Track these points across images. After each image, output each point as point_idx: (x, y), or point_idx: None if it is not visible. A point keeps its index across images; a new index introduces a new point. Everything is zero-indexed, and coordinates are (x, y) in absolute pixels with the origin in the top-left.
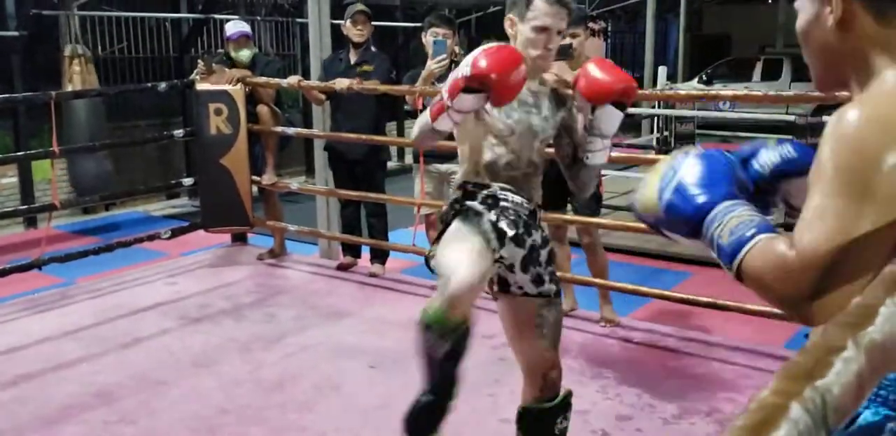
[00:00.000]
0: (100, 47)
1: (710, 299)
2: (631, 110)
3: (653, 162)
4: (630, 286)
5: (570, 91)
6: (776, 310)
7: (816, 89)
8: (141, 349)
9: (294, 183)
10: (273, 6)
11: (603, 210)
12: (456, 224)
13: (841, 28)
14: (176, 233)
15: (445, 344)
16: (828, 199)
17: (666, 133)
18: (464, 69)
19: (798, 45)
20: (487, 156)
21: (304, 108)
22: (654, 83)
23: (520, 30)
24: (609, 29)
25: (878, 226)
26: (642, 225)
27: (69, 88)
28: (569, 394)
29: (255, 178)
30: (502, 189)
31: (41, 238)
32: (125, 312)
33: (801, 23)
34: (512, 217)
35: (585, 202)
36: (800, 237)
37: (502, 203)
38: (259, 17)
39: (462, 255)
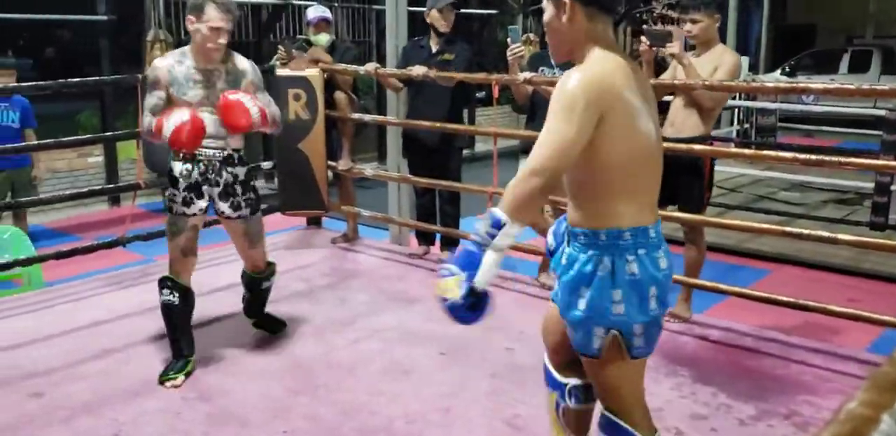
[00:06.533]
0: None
1: (790, 299)
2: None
3: (733, 155)
4: (708, 283)
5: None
6: (859, 312)
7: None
8: (217, 328)
9: (368, 169)
10: None
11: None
12: None
13: (569, 22)
14: None
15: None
16: (548, 124)
17: (746, 125)
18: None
19: (889, 36)
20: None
21: (377, 94)
22: None
23: None
24: None
25: (581, 136)
26: (723, 220)
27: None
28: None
29: (330, 163)
30: None
31: (125, 216)
32: (202, 291)
33: (546, 17)
34: None
35: (689, 197)
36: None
37: None
38: (336, 3)
39: None
